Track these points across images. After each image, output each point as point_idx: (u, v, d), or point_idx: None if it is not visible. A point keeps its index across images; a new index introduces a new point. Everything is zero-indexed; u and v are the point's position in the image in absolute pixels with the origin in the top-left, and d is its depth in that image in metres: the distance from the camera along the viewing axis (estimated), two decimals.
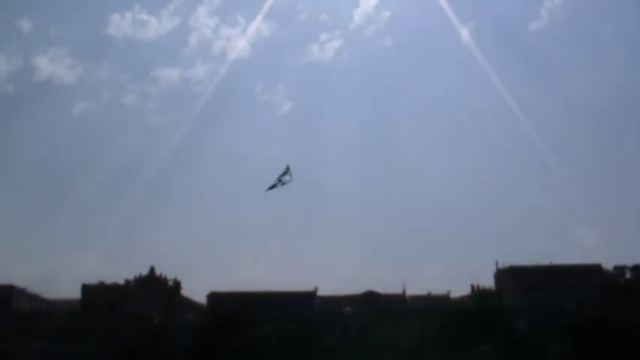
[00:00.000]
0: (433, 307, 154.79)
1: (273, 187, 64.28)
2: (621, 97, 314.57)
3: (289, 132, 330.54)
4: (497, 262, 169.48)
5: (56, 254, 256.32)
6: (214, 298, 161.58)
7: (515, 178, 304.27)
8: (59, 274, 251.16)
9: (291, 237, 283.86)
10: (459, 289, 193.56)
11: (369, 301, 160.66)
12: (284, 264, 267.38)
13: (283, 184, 64.12)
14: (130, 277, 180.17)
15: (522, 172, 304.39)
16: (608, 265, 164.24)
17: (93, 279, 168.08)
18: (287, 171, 63.84)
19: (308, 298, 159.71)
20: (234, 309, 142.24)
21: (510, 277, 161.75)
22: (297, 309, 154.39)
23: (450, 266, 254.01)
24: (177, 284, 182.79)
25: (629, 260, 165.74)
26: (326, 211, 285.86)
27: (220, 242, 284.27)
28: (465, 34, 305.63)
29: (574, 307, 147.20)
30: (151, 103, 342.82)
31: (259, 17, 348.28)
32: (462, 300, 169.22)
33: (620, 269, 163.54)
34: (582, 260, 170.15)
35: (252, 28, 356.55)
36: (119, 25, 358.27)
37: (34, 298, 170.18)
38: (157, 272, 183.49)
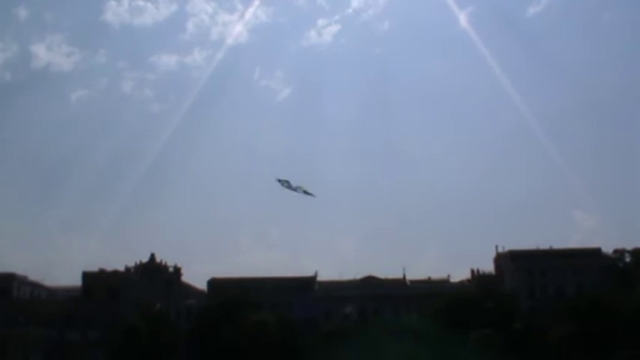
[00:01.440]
0: (433, 291, 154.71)
1: (285, 182, 64.13)
2: (620, 81, 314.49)
3: (287, 117, 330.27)
4: (496, 247, 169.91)
5: (56, 241, 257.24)
6: (214, 284, 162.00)
7: (514, 163, 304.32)
8: (59, 261, 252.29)
9: (291, 223, 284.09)
10: (459, 274, 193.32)
11: (369, 285, 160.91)
12: (284, 250, 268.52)
13: (294, 189, 64.03)
14: (131, 263, 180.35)
15: (521, 157, 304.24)
16: (607, 248, 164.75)
17: (93, 266, 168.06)
18: (302, 190, 63.81)
19: (308, 283, 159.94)
20: (234, 295, 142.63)
21: (510, 261, 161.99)
22: (297, 294, 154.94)
23: (449, 251, 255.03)
24: (177, 270, 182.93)
25: (629, 244, 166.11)
26: (325, 196, 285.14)
27: (220, 228, 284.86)
28: (462, 18, 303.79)
29: (574, 291, 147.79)
30: (149, 90, 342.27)
31: (257, 2, 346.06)
32: (462, 284, 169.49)
33: (619, 253, 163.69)
34: (582, 244, 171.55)
35: (249, 14, 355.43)
36: (116, 11, 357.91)
37: (35, 286, 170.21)
38: (157, 259, 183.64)
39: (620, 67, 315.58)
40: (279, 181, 61.57)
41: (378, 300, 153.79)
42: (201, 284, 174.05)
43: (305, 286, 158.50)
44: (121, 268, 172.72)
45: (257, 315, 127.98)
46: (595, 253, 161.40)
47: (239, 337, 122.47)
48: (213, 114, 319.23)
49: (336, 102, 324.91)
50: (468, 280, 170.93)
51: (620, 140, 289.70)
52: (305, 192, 60.85)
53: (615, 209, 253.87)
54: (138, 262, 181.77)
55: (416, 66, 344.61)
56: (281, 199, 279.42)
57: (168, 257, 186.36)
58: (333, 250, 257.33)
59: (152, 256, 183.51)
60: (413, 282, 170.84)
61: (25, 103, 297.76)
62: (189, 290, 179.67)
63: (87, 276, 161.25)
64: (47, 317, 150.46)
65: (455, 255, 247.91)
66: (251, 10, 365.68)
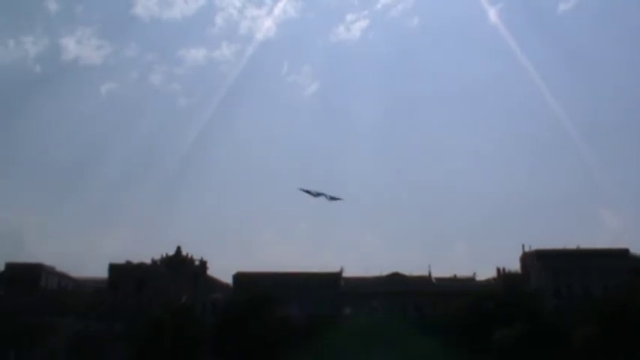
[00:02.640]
0: (459, 289, 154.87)
1: (307, 191, 64.31)
2: None
3: (314, 113, 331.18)
4: (523, 246, 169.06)
5: (83, 233, 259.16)
6: (240, 278, 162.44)
7: (542, 161, 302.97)
8: (87, 253, 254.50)
9: (317, 218, 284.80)
10: (485, 272, 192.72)
11: (395, 282, 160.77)
12: (309, 245, 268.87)
13: (316, 195, 64.06)
14: (157, 256, 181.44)
15: (550, 156, 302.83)
16: (635, 250, 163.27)
17: (120, 258, 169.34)
18: (329, 197, 63.84)
19: (333, 279, 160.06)
20: (260, 290, 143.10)
21: (536, 260, 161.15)
22: (323, 290, 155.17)
23: (476, 249, 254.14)
24: (203, 264, 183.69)
25: None
26: (351, 191, 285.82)
27: (246, 223, 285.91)
28: (492, 14, 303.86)
29: (600, 291, 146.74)
30: (177, 84, 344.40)
31: None
32: (488, 283, 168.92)
33: None
34: (609, 245, 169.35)
35: (278, 9, 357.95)
36: (145, 4, 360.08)
37: (62, 277, 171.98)
38: (184, 252, 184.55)
39: None
40: (303, 190, 61.77)
41: (403, 297, 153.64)
42: (227, 278, 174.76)
43: (331, 281, 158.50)
44: (148, 261, 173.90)
45: (283, 310, 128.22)
46: (623, 254, 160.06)
47: (265, 333, 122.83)
48: (240, 108, 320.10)
49: (363, 98, 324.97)
50: (494, 279, 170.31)
51: None
52: (331, 198, 60.88)
53: None
54: (164, 255, 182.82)
55: (445, 62, 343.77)
56: (306, 194, 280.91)
57: (194, 250, 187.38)
58: (358, 246, 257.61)
59: (178, 249, 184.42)
60: (438, 279, 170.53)
61: (54, 96, 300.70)
62: (214, 284, 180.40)
63: (113, 268, 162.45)
64: (74, 308, 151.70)
65: (481, 253, 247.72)
66: (280, 4, 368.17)
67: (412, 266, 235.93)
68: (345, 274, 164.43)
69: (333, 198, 60.39)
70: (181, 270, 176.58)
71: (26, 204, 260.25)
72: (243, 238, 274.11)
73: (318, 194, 61.09)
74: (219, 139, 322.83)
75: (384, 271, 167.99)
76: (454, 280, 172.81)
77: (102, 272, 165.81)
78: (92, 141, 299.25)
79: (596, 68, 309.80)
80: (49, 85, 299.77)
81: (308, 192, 61.91)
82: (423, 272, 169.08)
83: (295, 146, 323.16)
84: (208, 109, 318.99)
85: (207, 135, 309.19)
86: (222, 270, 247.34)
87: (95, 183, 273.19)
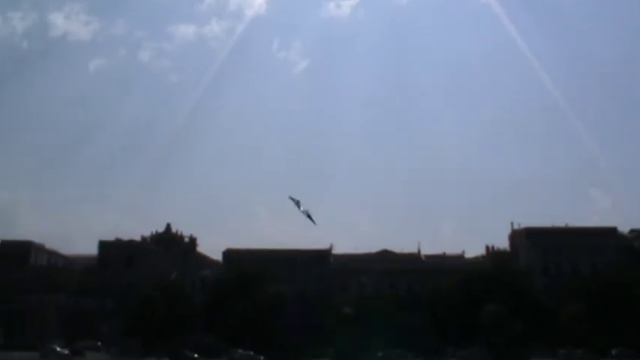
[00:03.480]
0: (448, 266, 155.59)
1: (296, 202, 64.27)
2: None
3: (305, 90, 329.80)
4: (512, 224, 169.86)
5: (73, 211, 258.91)
6: (230, 255, 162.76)
7: (534, 139, 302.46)
8: (76, 230, 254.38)
9: (307, 195, 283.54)
10: (474, 250, 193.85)
11: (384, 259, 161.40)
12: (299, 222, 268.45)
13: (302, 211, 63.94)
14: (147, 233, 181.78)
15: (541, 134, 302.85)
16: (623, 228, 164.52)
17: (110, 235, 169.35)
18: (307, 214, 63.60)
19: (323, 256, 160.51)
20: (249, 266, 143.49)
21: (525, 238, 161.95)
22: (313, 266, 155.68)
23: (465, 226, 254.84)
24: (192, 241, 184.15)
25: None
26: (341, 169, 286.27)
27: (236, 200, 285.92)
28: None
29: (588, 269, 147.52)
30: (167, 60, 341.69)
31: None
32: (477, 260, 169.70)
33: (635, 233, 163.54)
34: (598, 223, 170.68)
35: None
36: None
37: (52, 254, 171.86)
38: (173, 229, 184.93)
39: None
40: (291, 198, 61.78)
41: (392, 274, 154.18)
42: (217, 255, 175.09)
43: (320, 258, 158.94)
44: (137, 238, 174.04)
45: (273, 287, 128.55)
46: (611, 233, 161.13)
47: (255, 309, 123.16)
48: (230, 85, 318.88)
49: (353, 75, 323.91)
50: (483, 256, 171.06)
51: None
52: (308, 216, 60.95)
53: (633, 189, 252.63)
54: (154, 232, 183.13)
55: (435, 39, 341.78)
56: (297, 171, 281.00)
57: (184, 228, 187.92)
58: (348, 223, 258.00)
59: (168, 226, 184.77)
60: (428, 257, 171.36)
61: (43, 72, 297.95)
62: (204, 261, 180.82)
63: (103, 245, 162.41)
64: (64, 285, 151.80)
65: (470, 231, 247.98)
66: None
67: (402, 244, 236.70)
68: (335, 251, 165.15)
69: (309, 216, 60.46)
70: (171, 247, 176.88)
71: (15, 182, 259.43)
72: (233, 216, 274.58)
73: (300, 208, 61.23)
74: (210, 115, 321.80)
75: (374, 248, 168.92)
76: (443, 258, 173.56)
77: (92, 249, 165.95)
78: (81, 118, 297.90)
79: (590, 45, 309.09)
80: (37, 62, 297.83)
81: (297, 201, 61.94)
82: (413, 250, 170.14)
83: (285, 123, 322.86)
84: (198, 85, 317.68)
85: (197, 112, 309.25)
86: (212, 247, 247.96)
87: (84, 160, 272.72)
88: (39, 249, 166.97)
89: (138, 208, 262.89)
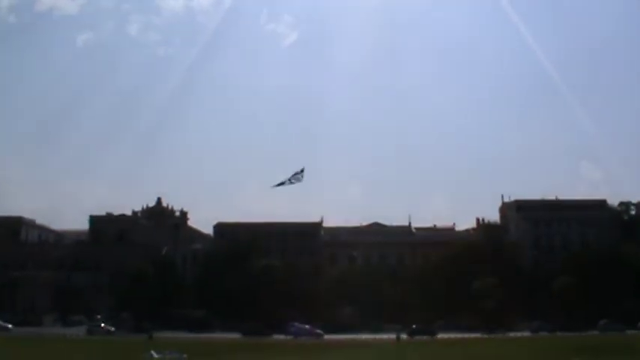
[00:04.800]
0: (438, 239, 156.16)
1: (281, 184, 64.10)
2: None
3: (294, 62, 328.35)
4: (502, 196, 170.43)
5: (62, 186, 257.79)
6: (221, 228, 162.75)
7: (524, 112, 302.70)
8: (66, 205, 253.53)
9: (297, 168, 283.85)
10: (465, 222, 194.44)
11: (375, 232, 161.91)
12: (290, 195, 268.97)
13: (292, 182, 63.78)
14: (137, 208, 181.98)
15: (532, 107, 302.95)
16: (613, 200, 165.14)
17: (100, 210, 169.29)
18: (301, 172, 63.44)
19: (314, 229, 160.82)
20: (240, 239, 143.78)
21: (516, 211, 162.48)
22: (303, 239, 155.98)
23: (455, 199, 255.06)
24: (183, 215, 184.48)
25: (634, 196, 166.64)
26: (331, 142, 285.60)
27: (226, 173, 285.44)
28: None
29: (579, 241, 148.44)
30: (155, 33, 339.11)
31: None
32: (467, 233, 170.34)
33: (625, 205, 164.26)
34: (588, 196, 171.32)
35: None
36: None
37: (43, 230, 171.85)
38: (164, 203, 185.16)
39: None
40: (278, 185, 62.18)
41: (383, 246, 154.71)
42: (208, 229, 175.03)
43: (311, 231, 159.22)
44: (128, 212, 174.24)
45: (264, 260, 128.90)
46: (601, 205, 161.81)
47: (246, 281, 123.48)
48: (219, 58, 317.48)
49: (343, 47, 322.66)
50: (473, 229, 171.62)
51: (634, 92, 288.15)
52: (295, 176, 61.07)
53: (623, 162, 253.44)
54: (144, 206, 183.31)
55: (427, 10, 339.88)
56: (287, 144, 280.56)
57: (174, 202, 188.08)
58: (339, 196, 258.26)
59: (159, 200, 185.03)
60: (418, 229, 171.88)
61: (29, 47, 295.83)
62: (195, 234, 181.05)
63: (94, 220, 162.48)
64: (56, 260, 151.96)
65: (461, 203, 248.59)
66: None
67: (392, 216, 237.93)
68: (326, 224, 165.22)
69: (295, 176, 60.58)
70: (162, 221, 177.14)
71: (3, 157, 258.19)
72: (224, 189, 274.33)
73: (290, 181, 61.43)
74: (199, 88, 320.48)
75: (365, 221, 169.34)
76: (434, 230, 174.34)
77: (82, 224, 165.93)
78: (69, 93, 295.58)
79: (582, 19, 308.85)
80: (24, 36, 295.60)
81: (282, 183, 62.12)
82: (403, 222, 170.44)
83: (275, 96, 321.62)
84: (187, 59, 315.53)
85: (186, 85, 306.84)
86: (203, 221, 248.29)
87: (74, 134, 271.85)
88: (30, 225, 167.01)
89: (128, 182, 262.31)
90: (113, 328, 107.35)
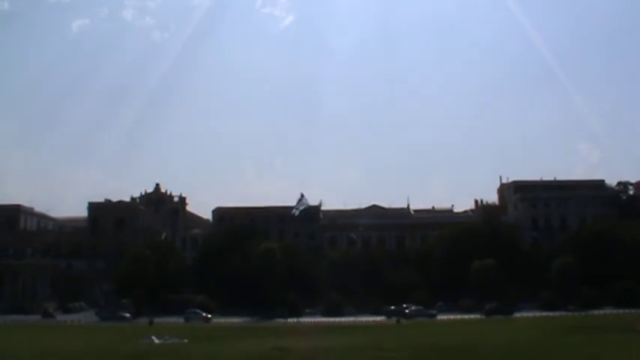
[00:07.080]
0: (437, 221, 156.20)
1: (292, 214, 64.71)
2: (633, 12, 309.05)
3: (290, 45, 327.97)
4: (500, 177, 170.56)
5: (60, 173, 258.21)
6: (220, 213, 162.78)
7: (522, 93, 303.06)
8: (64, 192, 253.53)
9: (295, 152, 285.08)
10: (463, 204, 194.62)
11: (374, 214, 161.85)
12: (288, 179, 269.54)
13: (300, 208, 64.25)
14: (136, 194, 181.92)
15: (529, 87, 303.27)
16: (611, 181, 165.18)
17: (99, 197, 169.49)
18: (301, 197, 63.82)
19: (313, 212, 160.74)
20: (239, 224, 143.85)
21: (514, 192, 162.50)
22: (303, 223, 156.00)
23: (453, 181, 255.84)
24: (182, 200, 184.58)
25: (633, 177, 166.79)
26: (329, 126, 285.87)
27: (224, 158, 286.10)
28: None
29: (577, 222, 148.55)
30: (150, 18, 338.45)
31: None
32: (466, 214, 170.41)
33: (623, 185, 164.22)
34: (586, 176, 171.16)
35: None
36: None
37: (41, 217, 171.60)
38: (163, 189, 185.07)
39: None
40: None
41: (382, 229, 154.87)
42: (207, 214, 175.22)
43: (310, 214, 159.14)
44: (127, 199, 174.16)
45: (263, 243, 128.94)
46: (599, 185, 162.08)
47: (246, 265, 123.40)
48: (214, 42, 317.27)
49: (340, 30, 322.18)
50: (472, 210, 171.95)
51: (630, 73, 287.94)
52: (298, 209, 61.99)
53: (620, 142, 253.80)
54: (143, 192, 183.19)
55: None
56: (285, 128, 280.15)
57: (173, 187, 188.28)
58: (337, 179, 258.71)
59: (157, 186, 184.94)
60: (417, 211, 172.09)
61: (24, 32, 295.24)
62: (194, 220, 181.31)
63: (93, 206, 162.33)
64: (54, 248, 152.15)
65: (459, 185, 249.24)
66: None
67: (391, 198, 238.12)
68: (325, 207, 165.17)
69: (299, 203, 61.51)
70: (161, 207, 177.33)
71: (0, 145, 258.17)
72: (222, 174, 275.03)
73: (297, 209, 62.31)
74: (195, 73, 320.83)
75: (363, 203, 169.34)
76: (432, 212, 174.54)
77: (81, 211, 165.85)
78: (65, 78, 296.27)
79: (579, 1, 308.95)
80: (18, 22, 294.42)
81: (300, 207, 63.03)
82: (402, 204, 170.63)
83: (271, 79, 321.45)
84: (182, 42, 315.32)
85: (182, 69, 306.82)
86: (202, 206, 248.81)
87: (70, 120, 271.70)
88: (28, 212, 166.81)
89: (126, 168, 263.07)
90: (128, 314, 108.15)
